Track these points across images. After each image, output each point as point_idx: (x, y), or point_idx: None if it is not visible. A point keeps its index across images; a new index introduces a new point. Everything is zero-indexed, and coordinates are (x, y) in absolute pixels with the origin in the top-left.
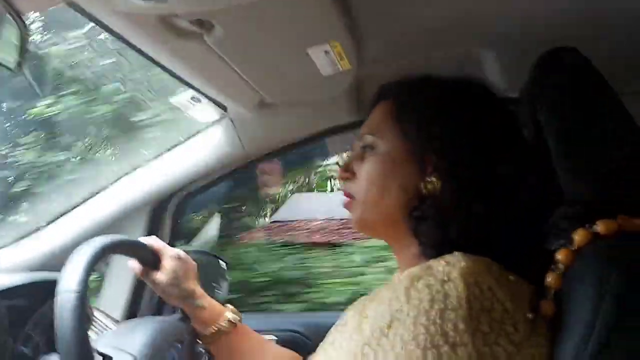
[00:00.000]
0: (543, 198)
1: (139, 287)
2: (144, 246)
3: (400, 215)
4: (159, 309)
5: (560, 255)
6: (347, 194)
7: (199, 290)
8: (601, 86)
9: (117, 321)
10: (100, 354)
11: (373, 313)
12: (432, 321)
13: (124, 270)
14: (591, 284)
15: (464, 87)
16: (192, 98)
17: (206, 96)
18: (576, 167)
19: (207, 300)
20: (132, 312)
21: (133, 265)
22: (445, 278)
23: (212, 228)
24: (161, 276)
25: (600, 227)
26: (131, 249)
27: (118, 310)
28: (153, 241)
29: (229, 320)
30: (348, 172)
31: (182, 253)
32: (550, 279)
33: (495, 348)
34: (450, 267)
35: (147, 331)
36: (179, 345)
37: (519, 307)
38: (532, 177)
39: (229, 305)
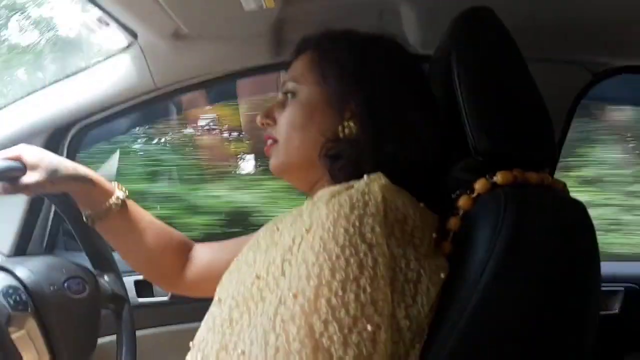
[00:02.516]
0: (448, 148)
1: (29, 219)
2: (17, 167)
3: (316, 157)
4: (51, 243)
5: (461, 202)
6: (269, 138)
7: (79, 165)
8: (511, 49)
9: (7, 255)
10: None
11: (289, 226)
12: (351, 224)
13: (12, 202)
14: (487, 226)
15: (381, 42)
16: (99, 20)
17: (115, 20)
18: (480, 122)
19: (94, 174)
20: (21, 247)
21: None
22: (366, 190)
23: (111, 165)
24: (33, 175)
25: (498, 177)
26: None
27: (6, 244)
28: (4, 154)
29: (119, 197)
30: (269, 118)
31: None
32: (451, 222)
33: (406, 252)
34: (371, 182)
35: (36, 261)
36: (80, 279)
37: (426, 226)
38: (439, 128)
39: (115, 182)
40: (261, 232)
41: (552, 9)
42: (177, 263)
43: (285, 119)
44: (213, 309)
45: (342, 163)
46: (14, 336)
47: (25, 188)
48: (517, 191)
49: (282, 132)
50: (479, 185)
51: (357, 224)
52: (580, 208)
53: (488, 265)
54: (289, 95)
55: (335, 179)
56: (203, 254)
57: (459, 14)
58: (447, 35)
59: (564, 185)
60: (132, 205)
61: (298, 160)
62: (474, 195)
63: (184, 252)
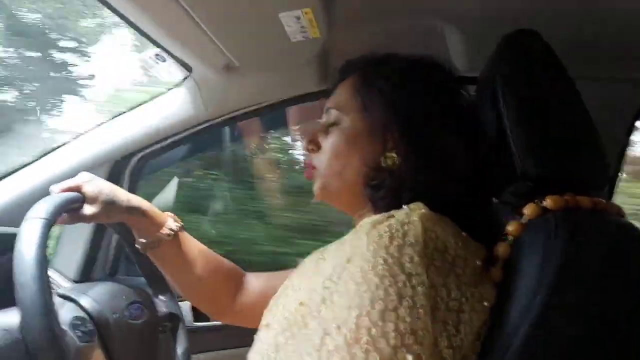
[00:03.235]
0: (495, 174)
1: (93, 246)
2: (77, 199)
3: (359, 186)
4: (114, 268)
5: (510, 227)
6: (310, 165)
7: (133, 197)
8: (558, 70)
9: (73, 281)
10: (61, 295)
11: (332, 254)
12: (390, 254)
13: (77, 230)
14: (538, 252)
15: (425, 65)
16: (157, 56)
17: (172, 55)
18: (528, 146)
19: (147, 205)
20: (86, 271)
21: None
22: (406, 220)
23: (169, 192)
24: (91, 208)
25: (548, 202)
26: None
27: (72, 271)
28: (67, 184)
29: (171, 228)
30: (313, 143)
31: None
32: (500, 248)
33: (447, 281)
34: (411, 212)
35: (99, 288)
36: (139, 304)
37: (469, 255)
38: (485, 155)
39: (169, 213)
40: (308, 259)
41: (605, 27)
42: (227, 292)
43: (328, 146)
44: (261, 334)
45: (383, 193)
46: None
47: (83, 218)
48: (569, 216)
49: (324, 159)
50: (529, 210)
51: (396, 254)
52: (636, 233)
53: (539, 293)
54: (333, 122)
55: (377, 208)
56: (255, 283)
57: (503, 36)
58: (492, 58)
59: (619, 209)
60: (183, 235)
61: (339, 188)
62: (524, 220)
63: (234, 281)
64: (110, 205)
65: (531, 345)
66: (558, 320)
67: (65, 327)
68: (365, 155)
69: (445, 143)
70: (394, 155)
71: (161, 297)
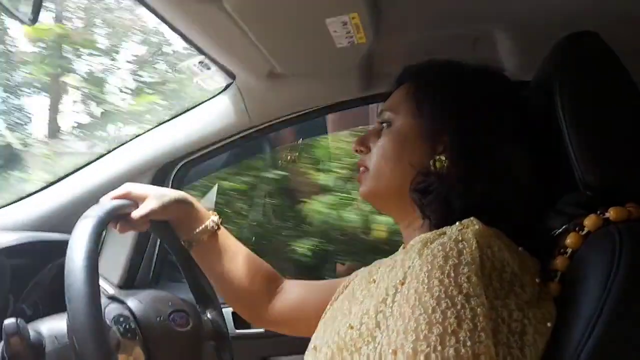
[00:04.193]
0: (551, 183)
1: (137, 251)
2: (129, 204)
3: (406, 189)
4: (157, 274)
5: (569, 239)
6: (362, 166)
7: (178, 191)
8: (620, 74)
9: (117, 286)
10: (109, 296)
11: (384, 276)
12: (446, 274)
13: (121, 237)
14: (600, 268)
15: (481, 73)
16: (201, 63)
17: (216, 63)
18: (590, 154)
19: (192, 199)
20: (130, 277)
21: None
22: (460, 238)
23: (210, 197)
24: (145, 206)
25: (611, 213)
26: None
27: (116, 277)
28: (116, 193)
29: (214, 221)
30: (363, 146)
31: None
32: (558, 261)
33: (507, 302)
34: (465, 229)
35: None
36: (184, 313)
37: (526, 273)
38: (540, 162)
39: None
40: (356, 280)
41: None
42: (264, 294)
43: (378, 148)
44: (309, 356)
45: (430, 199)
46: None
47: (141, 220)
48: (633, 228)
49: (373, 160)
50: (589, 222)
51: (452, 274)
52: None
53: (604, 309)
54: (385, 124)
55: (425, 216)
56: (293, 291)
57: (561, 39)
58: (548, 62)
59: None
60: (224, 231)
61: (387, 190)
62: (584, 232)
63: (272, 284)
64: (163, 197)
65: (599, 358)
66: (624, 337)
67: (108, 321)
68: (414, 157)
69: (499, 149)
70: (444, 158)
71: (208, 313)
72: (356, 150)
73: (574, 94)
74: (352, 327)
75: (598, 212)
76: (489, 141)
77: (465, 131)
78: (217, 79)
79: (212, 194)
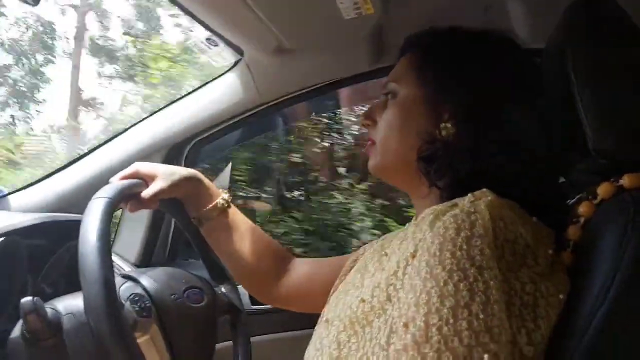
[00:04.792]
0: (564, 151)
1: (152, 230)
2: (138, 183)
3: (414, 160)
4: (173, 251)
5: (581, 208)
6: (370, 139)
7: (188, 169)
8: (635, 38)
9: (132, 264)
10: (121, 275)
11: (396, 249)
12: (458, 247)
13: (137, 215)
14: (613, 236)
15: (488, 38)
16: (208, 40)
17: (223, 39)
18: (602, 122)
19: (202, 176)
20: (147, 255)
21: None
22: (472, 210)
23: (224, 177)
24: (155, 184)
25: (625, 180)
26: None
27: (133, 255)
28: (124, 173)
29: (224, 198)
30: (369, 119)
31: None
32: (570, 231)
33: (520, 275)
34: (477, 200)
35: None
36: (198, 289)
37: (539, 244)
38: (552, 129)
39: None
40: (368, 254)
41: None
42: (274, 271)
43: (384, 120)
44: (320, 329)
45: (436, 166)
46: (139, 340)
47: (151, 199)
48: None
49: (380, 133)
50: (603, 189)
51: (464, 246)
52: None
53: (616, 278)
54: (389, 96)
55: (431, 183)
56: (302, 268)
57: (573, 2)
58: (560, 27)
59: None
60: (234, 209)
61: (395, 162)
62: (597, 201)
63: (281, 262)
64: (172, 175)
65: (606, 331)
66: (636, 307)
67: (123, 301)
68: (420, 127)
69: (506, 114)
70: (449, 126)
71: (222, 288)
72: (363, 125)
73: (587, 59)
74: (363, 301)
75: (611, 179)
76: (494, 107)
77: (469, 97)
78: (226, 56)
79: (226, 173)
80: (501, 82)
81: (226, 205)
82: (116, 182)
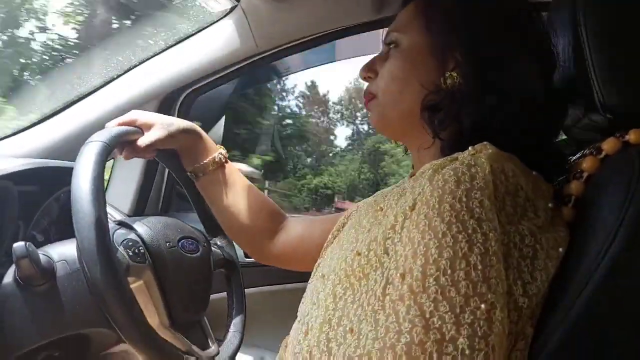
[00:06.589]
0: (567, 105)
1: (145, 180)
2: (135, 130)
3: (417, 111)
4: (166, 203)
5: (585, 164)
6: (369, 93)
7: (186, 121)
8: None
9: (125, 215)
10: (117, 222)
11: (392, 203)
12: (457, 199)
13: (130, 165)
14: (617, 191)
15: None
16: None
17: None
18: (611, 75)
19: (200, 130)
20: (140, 206)
21: (123, 155)
22: (472, 162)
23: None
24: (152, 133)
25: (631, 136)
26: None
27: (126, 206)
28: (122, 119)
29: (221, 153)
30: (370, 71)
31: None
32: (573, 185)
33: (520, 227)
34: (478, 153)
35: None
36: (193, 240)
37: (540, 197)
38: (553, 81)
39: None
40: (362, 210)
41: None
42: (268, 230)
43: (385, 71)
44: (317, 283)
45: (441, 116)
46: (132, 286)
47: (147, 148)
48: None
49: (382, 84)
50: (608, 145)
51: (464, 199)
52: None
53: (618, 235)
54: (392, 45)
55: (434, 133)
56: (295, 227)
57: None
58: None
59: None
60: (230, 166)
61: (397, 114)
62: (601, 156)
63: (276, 221)
64: (170, 126)
65: (607, 287)
66: (638, 264)
67: (117, 245)
68: (424, 76)
69: (512, 64)
70: (455, 75)
71: (217, 241)
72: (364, 78)
73: (595, 11)
74: (359, 254)
75: (617, 134)
76: (501, 55)
77: (476, 45)
78: (221, 1)
79: (219, 127)
80: (507, 31)
81: (223, 160)
82: (112, 127)
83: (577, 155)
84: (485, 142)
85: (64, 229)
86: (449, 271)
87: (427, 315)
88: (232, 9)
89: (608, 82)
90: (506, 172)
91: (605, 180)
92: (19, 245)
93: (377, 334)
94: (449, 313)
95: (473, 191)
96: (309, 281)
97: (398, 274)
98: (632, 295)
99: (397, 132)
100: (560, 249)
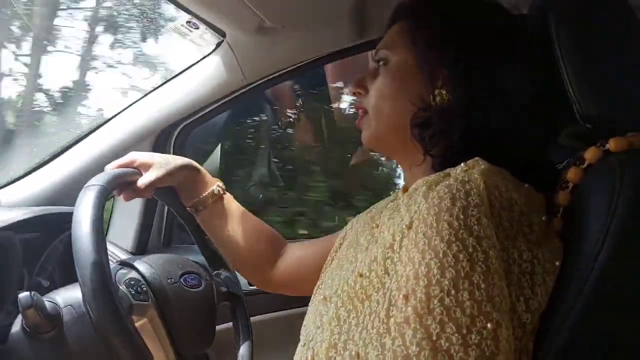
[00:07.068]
0: (553, 116)
1: (146, 217)
2: (134, 172)
3: (407, 128)
4: (168, 237)
5: (569, 174)
6: (360, 109)
7: (182, 157)
8: (620, 4)
9: (128, 252)
10: (119, 262)
11: (385, 220)
12: (455, 217)
13: (130, 202)
14: (602, 199)
15: (478, 4)
16: (189, 23)
17: (204, 21)
18: (586, 85)
19: (197, 165)
20: (142, 243)
21: (123, 197)
22: (466, 179)
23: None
24: (151, 173)
25: (611, 144)
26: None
27: (128, 243)
28: (121, 161)
29: (219, 185)
30: (360, 87)
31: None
32: (560, 196)
33: (517, 242)
34: (470, 169)
35: (154, 256)
36: (195, 275)
37: (533, 210)
38: (539, 94)
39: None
40: (359, 227)
41: None
42: (268, 257)
43: (375, 89)
44: (319, 306)
45: (431, 132)
46: (137, 324)
47: (146, 188)
48: (634, 158)
49: (372, 101)
50: (590, 154)
51: (461, 216)
52: None
53: (605, 242)
54: (381, 63)
55: (425, 150)
56: (295, 252)
57: None
58: None
59: None
60: (229, 196)
61: (388, 130)
62: (584, 165)
63: (276, 247)
64: (168, 165)
65: (599, 295)
66: (625, 270)
67: (119, 285)
68: (413, 94)
69: (500, 77)
70: (444, 92)
71: (220, 274)
72: (354, 93)
73: (569, 22)
74: (361, 275)
75: (598, 144)
76: (489, 71)
77: (464, 62)
78: (208, 38)
79: (216, 157)
80: (494, 46)
81: (221, 191)
82: (110, 170)
83: (563, 164)
84: (477, 158)
85: (69, 273)
86: (452, 292)
87: (434, 338)
88: (218, 45)
89: (584, 93)
90: (500, 188)
91: (589, 189)
92: (24, 295)
93: (385, 358)
94: (456, 334)
95: (469, 208)
96: (310, 303)
97: (401, 295)
98: (623, 300)
99: (388, 148)
100: (557, 262)
